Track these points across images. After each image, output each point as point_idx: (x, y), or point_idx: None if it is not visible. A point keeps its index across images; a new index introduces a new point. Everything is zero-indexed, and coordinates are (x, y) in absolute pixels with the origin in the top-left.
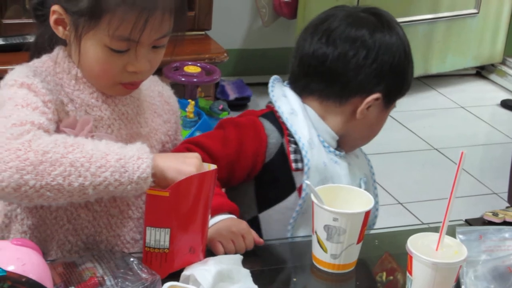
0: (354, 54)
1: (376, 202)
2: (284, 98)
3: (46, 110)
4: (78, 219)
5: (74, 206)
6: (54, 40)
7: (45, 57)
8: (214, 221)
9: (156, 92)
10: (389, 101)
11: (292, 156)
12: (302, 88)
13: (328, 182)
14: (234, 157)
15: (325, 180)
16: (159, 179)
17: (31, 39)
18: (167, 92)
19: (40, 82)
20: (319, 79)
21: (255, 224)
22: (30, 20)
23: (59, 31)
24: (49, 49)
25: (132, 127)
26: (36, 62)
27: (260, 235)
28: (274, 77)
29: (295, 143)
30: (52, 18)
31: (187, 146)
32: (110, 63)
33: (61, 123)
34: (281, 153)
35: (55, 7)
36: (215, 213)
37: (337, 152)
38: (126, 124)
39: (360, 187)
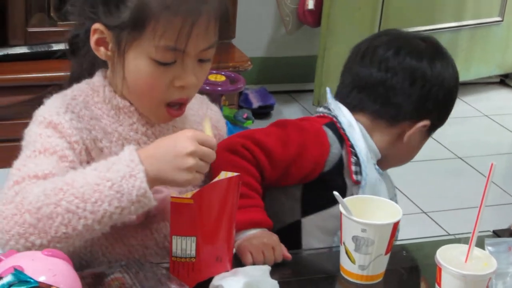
0: (413, 83)
1: None
2: (339, 111)
3: (67, 153)
4: (113, 253)
5: (110, 242)
6: (95, 66)
7: (84, 84)
8: (248, 233)
9: (203, 117)
10: (433, 128)
11: (353, 168)
12: (355, 104)
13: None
14: (292, 160)
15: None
16: (158, 184)
17: (55, 47)
18: (216, 115)
19: (69, 121)
20: (374, 99)
21: (296, 228)
22: (55, 29)
23: (101, 52)
24: (89, 76)
25: None
26: (74, 90)
27: (300, 240)
28: (328, 89)
29: (356, 155)
30: (93, 39)
31: (243, 143)
32: (157, 77)
33: (93, 161)
34: (340, 164)
35: (95, 26)
36: (252, 226)
37: (380, 171)
38: None
39: None
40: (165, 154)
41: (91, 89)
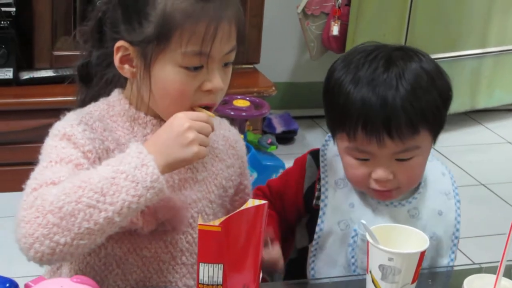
0: None
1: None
2: (331, 139)
3: (82, 161)
4: (127, 264)
5: (123, 252)
6: (112, 86)
7: (100, 101)
8: None
9: (220, 136)
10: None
11: (316, 193)
12: None
13: (354, 224)
14: (282, 188)
15: (350, 221)
16: (170, 170)
17: None
18: (234, 136)
19: (82, 132)
20: None
21: (304, 254)
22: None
23: (125, 70)
24: (107, 95)
25: (185, 172)
26: (91, 106)
27: (306, 266)
28: None
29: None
30: (117, 57)
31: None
32: (186, 83)
33: None
34: (313, 188)
35: (119, 44)
36: None
37: (380, 201)
38: (179, 170)
39: None
40: (166, 139)
41: (107, 104)
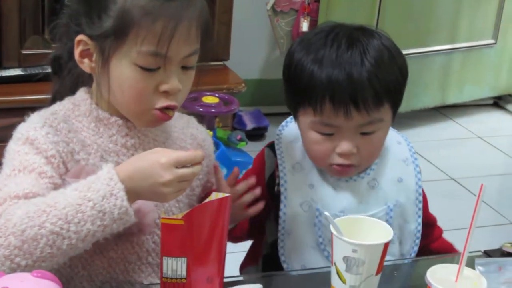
0: None
1: (418, 231)
2: (287, 127)
3: (45, 169)
4: (93, 265)
5: (89, 254)
6: (79, 84)
7: (66, 100)
8: None
9: (188, 135)
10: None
11: (277, 180)
12: None
13: (316, 204)
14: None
15: (312, 201)
16: (138, 199)
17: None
18: (202, 134)
19: (45, 135)
20: None
21: (275, 246)
22: (49, 51)
23: (85, 64)
24: (72, 94)
25: None
26: (56, 105)
27: (278, 257)
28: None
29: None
30: (77, 51)
31: None
32: (142, 82)
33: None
34: (272, 180)
35: (79, 37)
36: None
37: (338, 177)
38: None
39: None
40: (143, 179)
41: (73, 104)
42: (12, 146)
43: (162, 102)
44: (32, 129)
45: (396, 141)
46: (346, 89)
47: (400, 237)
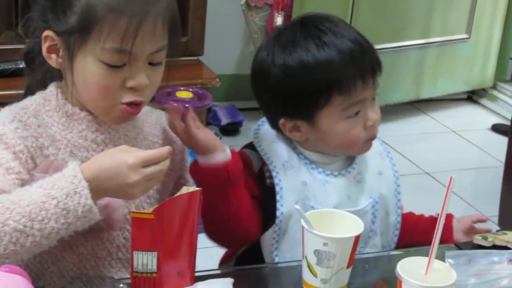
0: None
1: (398, 222)
2: (263, 128)
3: (13, 165)
4: (63, 261)
5: (59, 249)
6: (48, 79)
7: (37, 95)
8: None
9: (160, 130)
10: None
11: (267, 174)
12: None
13: (310, 201)
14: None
15: (306, 199)
16: (102, 197)
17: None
18: None
19: (14, 130)
20: None
21: (258, 245)
22: (23, 46)
23: (52, 60)
24: (44, 88)
25: None
26: (27, 100)
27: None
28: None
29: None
30: (45, 47)
31: None
32: (108, 79)
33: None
34: (261, 174)
35: (46, 33)
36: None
37: (328, 172)
38: None
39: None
40: (109, 179)
41: (43, 98)
42: None
43: (129, 98)
44: (0, 124)
45: None
46: (366, 57)
47: (382, 229)
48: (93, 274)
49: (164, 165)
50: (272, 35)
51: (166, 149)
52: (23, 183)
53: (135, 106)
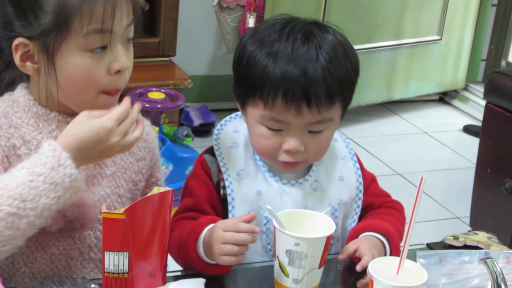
0: None
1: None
2: (229, 129)
3: None
4: (35, 262)
5: (31, 250)
6: (16, 81)
7: (6, 96)
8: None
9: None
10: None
11: (221, 183)
12: None
13: (264, 211)
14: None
15: (259, 209)
16: (83, 164)
17: None
18: (146, 128)
19: None
20: None
21: None
22: None
23: (28, 67)
24: (11, 90)
25: (93, 168)
26: None
27: None
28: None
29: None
30: (17, 56)
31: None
32: (93, 67)
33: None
34: (218, 185)
35: (16, 41)
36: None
37: (284, 181)
38: (87, 166)
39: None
40: (91, 147)
41: (12, 100)
42: None
43: (112, 86)
44: None
45: (333, 138)
46: (300, 85)
47: (342, 234)
48: (65, 274)
49: (132, 118)
50: (258, 25)
51: (128, 101)
52: None
53: (115, 92)
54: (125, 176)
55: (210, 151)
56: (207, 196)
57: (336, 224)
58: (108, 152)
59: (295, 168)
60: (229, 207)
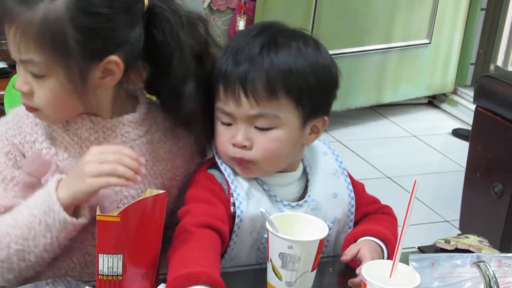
0: None
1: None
2: None
3: (5, 174)
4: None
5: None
6: None
7: None
8: None
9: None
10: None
11: (231, 199)
12: None
13: (265, 232)
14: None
15: (261, 229)
16: (78, 203)
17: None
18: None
19: (4, 132)
20: None
21: None
22: None
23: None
24: None
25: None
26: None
27: None
28: None
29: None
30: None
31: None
32: None
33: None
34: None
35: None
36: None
37: (285, 203)
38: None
39: None
40: (74, 174)
41: None
42: None
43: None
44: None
45: (322, 152)
46: (237, 75)
47: (334, 251)
48: (80, 270)
49: (121, 161)
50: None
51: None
52: (23, 186)
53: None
54: (156, 182)
55: (214, 166)
56: (225, 211)
57: (327, 241)
58: (81, 169)
59: (248, 169)
60: (235, 227)
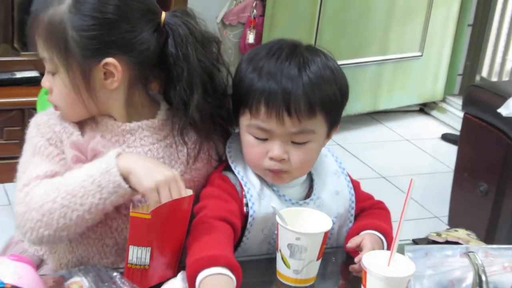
0: None
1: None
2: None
3: (50, 150)
4: (73, 240)
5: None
6: None
7: None
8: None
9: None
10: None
11: (244, 200)
12: None
13: (276, 229)
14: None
15: (272, 226)
16: (131, 178)
17: (18, 75)
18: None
19: (47, 122)
20: None
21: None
22: (18, 58)
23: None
24: None
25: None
26: None
27: None
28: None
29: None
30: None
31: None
32: None
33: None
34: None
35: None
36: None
37: (293, 201)
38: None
39: None
40: (145, 167)
41: None
42: (29, 132)
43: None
44: (40, 116)
45: (323, 154)
46: (280, 96)
47: (337, 242)
48: (99, 259)
49: (177, 194)
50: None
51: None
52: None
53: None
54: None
55: (228, 168)
56: (238, 208)
57: (331, 233)
58: (155, 171)
59: (281, 178)
60: (248, 225)
